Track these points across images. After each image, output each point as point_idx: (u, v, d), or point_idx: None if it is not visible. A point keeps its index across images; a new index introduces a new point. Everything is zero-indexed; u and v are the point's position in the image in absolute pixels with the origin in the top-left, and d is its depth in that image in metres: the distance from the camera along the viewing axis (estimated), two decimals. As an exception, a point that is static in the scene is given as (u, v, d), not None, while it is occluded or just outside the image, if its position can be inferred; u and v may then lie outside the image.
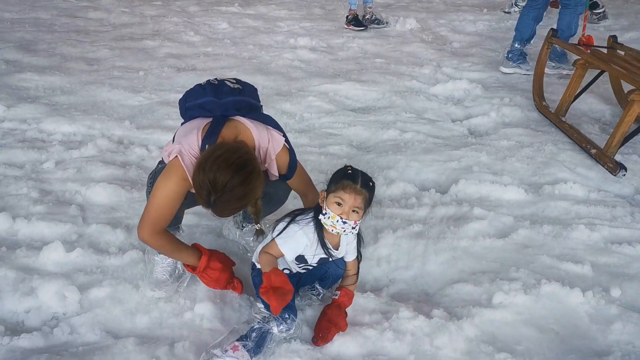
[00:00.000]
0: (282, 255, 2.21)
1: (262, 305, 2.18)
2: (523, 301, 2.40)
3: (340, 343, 2.19)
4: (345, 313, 2.27)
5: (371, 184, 2.14)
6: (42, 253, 2.58)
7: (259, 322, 2.12)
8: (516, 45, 5.30)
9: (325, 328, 2.19)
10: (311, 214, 2.21)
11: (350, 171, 2.13)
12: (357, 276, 2.40)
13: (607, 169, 3.51)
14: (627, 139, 3.62)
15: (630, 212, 3.08)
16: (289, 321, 2.11)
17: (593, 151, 3.66)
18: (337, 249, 2.26)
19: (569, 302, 2.41)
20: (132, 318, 2.30)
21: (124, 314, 2.31)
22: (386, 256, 2.76)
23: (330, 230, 2.17)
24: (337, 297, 2.30)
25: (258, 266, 2.29)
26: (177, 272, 2.42)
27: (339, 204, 2.10)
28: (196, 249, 2.37)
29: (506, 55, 5.37)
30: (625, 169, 3.44)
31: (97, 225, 2.83)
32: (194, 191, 2.22)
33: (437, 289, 2.58)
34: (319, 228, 2.19)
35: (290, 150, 2.34)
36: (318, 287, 2.37)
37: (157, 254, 2.45)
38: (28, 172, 3.32)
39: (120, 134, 3.89)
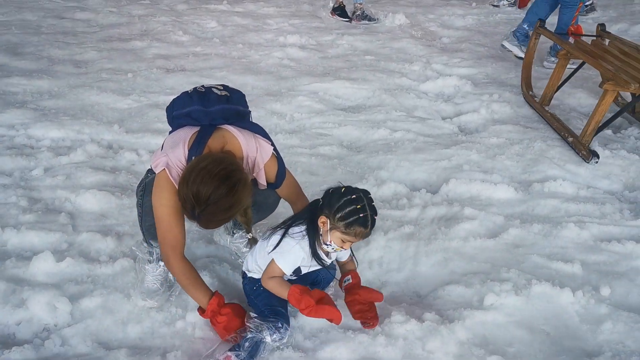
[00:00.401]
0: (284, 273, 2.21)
1: (255, 315, 2.19)
2: (514, 302, 2.41)
3: (332, 349, 2.19)
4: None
5: (376, 217, 2.12)
6: (32, 263, 2.57)
7: (251, 331, 2.12)
8: (525, 26, 5.32)
9: (368, 309, 2.22)
10: (304, 227, 2.19)
11: (362, 215, 2.05)
12: (354, 257, 2.42)
13: (581, 157, 3.60)
14: (601, 127, 3.70)
15: (619, 209, 3.10)
16: (282, 330, 2.12)
17: (570, 139, 3.77)
18: (328, 257, 2.26)
19: (559, 302, 2.42)
20: (124, 328, 2.29)
21: (115, 324, 2.31)
22: (378, 259, 2.76)
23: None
24: (351, 281, 2.32)
25: (249, 274, 2.29)
26: (168, 281, 2.41)
27: (344, 241, 2.12)
28: (212, 292, 2.25)
29: (513, 31, 5.39)
30: (598, 157, 3.52)
31: (88, 234, 2.82)
32: None
33: (428, 290, 2.59)
34: (313, 242, 2.17)
35: (278, 159, 2.33)
36: None
37: (147, 262, 2.44)
38: (17, 180, 3.29)
39: (109, 138, 3.86)
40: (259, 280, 2.26)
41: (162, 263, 2.40)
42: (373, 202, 2.12)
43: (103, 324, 2.30)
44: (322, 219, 2.12)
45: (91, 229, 2.87)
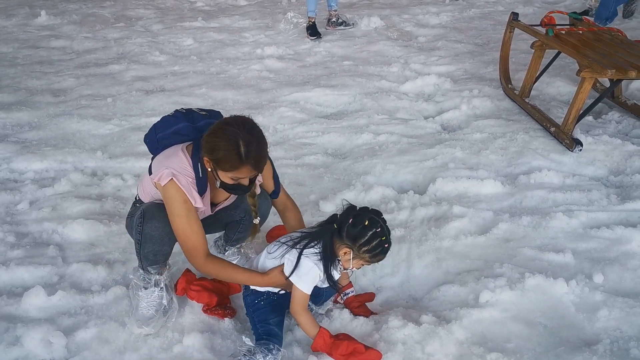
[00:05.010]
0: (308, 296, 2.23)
1: (247, 338, 2.18)
2: (509, 297, 2.42)
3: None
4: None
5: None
6: (23, 299, 2.54)
7: (244, 355, 2.11)
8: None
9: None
10: (320, 248, 2.20)
11: (387, 245, 2.19)
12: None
13: (565, 146, 3.62)
14: (582, 115, 3.73)
15: (606, 195, 3.12)
16: (274, 351, 2.11)
17: (552, 129, 3.79)
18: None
19: (554, 293, 2.43)
20: (121, 357, 2.26)
21: (112, 354, 2.28)
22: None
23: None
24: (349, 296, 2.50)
25: (252, 287, 2.29)
26: (162, 307, 2.39)
27: (363, 265, 2.25)
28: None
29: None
30: (581, 144, 3.54)
31: (78, 264, 2.79)
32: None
33: (424, 292, 2.59)
34: (328, 266, 2.20)
35: (272, 163, 2.42)
36: (311, 304, 2.38)
37: (141, 289, 2.41)
38: (2, 216, 3.26)
39: (93, 165, 3.84)
40: (263, 294, 2.27)
41: (156, 289, 2.39)
42: (387, 222, 2.22)
43: (100, 355, 2.27)
44: (344, 249, 2.18)
45: (81, 259, 2.84)
